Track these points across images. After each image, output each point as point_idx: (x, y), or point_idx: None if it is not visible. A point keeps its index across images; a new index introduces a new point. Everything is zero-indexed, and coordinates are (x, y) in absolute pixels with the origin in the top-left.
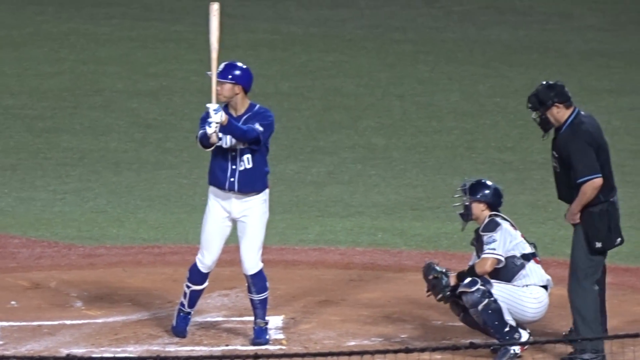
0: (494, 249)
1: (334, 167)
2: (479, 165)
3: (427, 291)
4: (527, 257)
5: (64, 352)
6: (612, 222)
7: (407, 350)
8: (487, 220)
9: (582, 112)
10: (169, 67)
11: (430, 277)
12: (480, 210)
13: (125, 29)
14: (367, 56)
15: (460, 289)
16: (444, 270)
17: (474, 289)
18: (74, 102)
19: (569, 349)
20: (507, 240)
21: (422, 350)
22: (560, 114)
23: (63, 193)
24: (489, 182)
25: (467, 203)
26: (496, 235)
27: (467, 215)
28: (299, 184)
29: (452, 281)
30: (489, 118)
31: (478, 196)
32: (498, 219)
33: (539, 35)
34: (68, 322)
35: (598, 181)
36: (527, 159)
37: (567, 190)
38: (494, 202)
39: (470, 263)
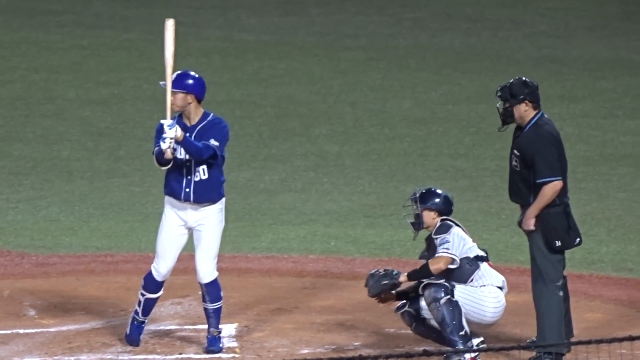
0: (448, 249)
1: (287, 174)
2: (431, 172)
3: (381, 302)
4: (480, 259)
5: None
6: (570, 222)
7: (361, 358)
8: (438, 224)
9: (546, 116)
10: (120, 76)
11: (385, 282)
12: (432, 219)
13: (76, 37)
14: (319, 63)
15: (426, 282)
16: (388, 271)
17: (437, 283)
18: (26, 111)
19: (529, 354)
20: (460, 243)
21: (375, 357)
22: (526, 112)
23: (15, 202)
24: (438, 190)
25: (417, 212)
26: (449, 236)
27: (418, 224)
28: (252, 192)
29: (402, 278)
30: (441, 125)
31: (428, 204)
32: (450, 222)
33: (490, 42)
34: (21, 331)
35: (559, 184)
36: (479, 166)
37: (522, 190)
38: (445, 210)
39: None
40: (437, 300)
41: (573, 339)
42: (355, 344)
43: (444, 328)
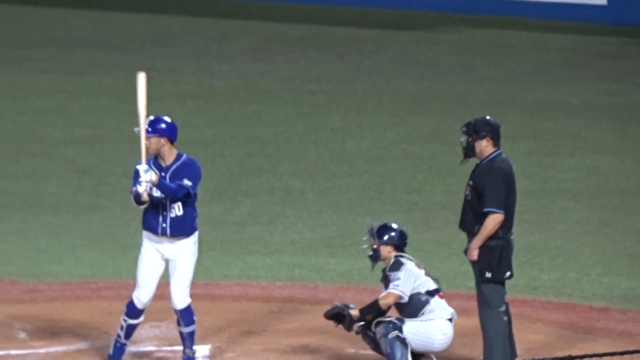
0: (398, 285)
1: (255, 208)
2: (387, 206)
3: (336, 324)
4: (431, 294)
5: None
6: (503, 257)
7: None
8: (392, 260)
9: (503, 155)
10: (101, 117)
11: (336, 311)
12: (388, 252)
13: (61, 82)
14: (284, 106)
15: (377, 320)
16: (346, 304)
17: (387, 320)
18: (14, 150)
19: None
20: (410, 279)
21: None
22: (487, 148)
23: (6, 233)
24: (394, 225)
25: (375, 246)
26: (400, 274)
27: (375, 257)
28: (223, 224)
29: (354, 313)
30: (396, 163)
31: (385, 239)
32: (403, 259)
33: (441, 86)
34: (13, 352)
35: (500, 216)
36: (431, 200)
37: (470, 219)
38: (400, 244)
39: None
40: (386, 335)
41: (516, 359)
42: None
43: None
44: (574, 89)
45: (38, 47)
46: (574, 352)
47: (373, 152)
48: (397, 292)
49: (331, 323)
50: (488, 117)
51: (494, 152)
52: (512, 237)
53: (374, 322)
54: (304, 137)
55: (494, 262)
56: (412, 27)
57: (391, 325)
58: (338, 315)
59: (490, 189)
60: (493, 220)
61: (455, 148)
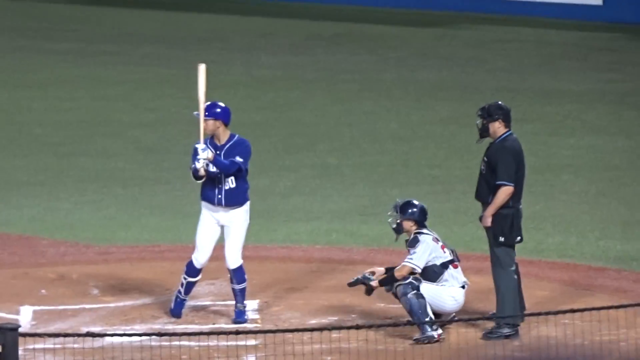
0: (412, 259)
1: (297, 181)
2: (412, 179)
3: (352, 284)
4: (445, 265)
5: (84, 330)
6: (514, 224)
7: (357, 327)
8: (412, 236)
9: (514, 135)
10: (164, 103)
11: (359, 277)
12: (409, 226)
13: (129, 73)
14: (322, 93)
15: (397, 283)
16: (366, 276)
17: (405, 282)
18: (89, 132)
19: (491, 324)
20: (425, 254)
21: (369, 326)
22: (499, 129)
23: (82, 204)
24: (416, 202)
25: (398, 220)
26: (417, 249)
27: (398, 230)
28: (269, 195)
29: (374, 284)
30: (420, 142)
31: (407, 214)
32: (420, 236)
33: (459, 76)
34: (87, 306)
35: (511, 189)
36: (450, 174)
37: (485, 190)
38: (420, 219)
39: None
40: (405, 294)
41: (526, 312)
42: (353, 315)
43: (412, 316)
44: (574, 77)
45: (110, 42)
46: (576, 306)
47: (399, 133)
48: (410, 266)
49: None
50: (500, 102)
51: (506, 132)
52: (521, 206)
53: (395, 284)
54: (339, 120)
55: (506, 228)
56: (433, 25)
57: (410, 286)
58: (360, 284)
59: (502, 165)
60: (504, 192)
61: (471, 129)
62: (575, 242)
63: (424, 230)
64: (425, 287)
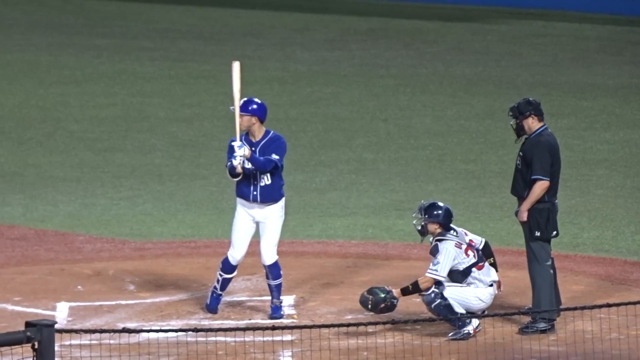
0: (436, 270)
1: (333, 177)
2: (447, 174)
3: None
4: (468, 271)
5: (120, 326)
6: (550, 218)
7: (393, 322)
8: (433, 244)
9: (549, 130)
10: (200, 99)
11: (382, 306)
12: (434, 228)
13: (165, 68)
14: (357, 88)
15: (419, 294)
16: (387, 290)
17: (428, 292)
18: (125, 127)
19: (526, 319)
20: (448, 263)
21: (405, 322)
22: (533, 124)
23: (118, 199)
24: (440, 204)
25: (423, 223)
26: (440, 257)
27: (423, 232)
28: (305, 190)
29: (396, 294)
30: (455, 137)
31: (431, 217)
32: (441, 243)
33: (494, 71)
34: (123, 302)
35: (546, 183)
36: (486, 169)
37: (520, 185)
38: (445, 222)
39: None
40: (430, 304)
41: (561, 307)
42: None
43: (444, 320)
44: (609, 72)
45: (146, 38)
46: (611, 301)
47: (435, 128)
48: (433, 276)
49: (403, 273)
50: (529, 98)
51: (541, 127)
52: (557, 201)
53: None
54: (375, 114)
55: (542, 223)
56: (468, 19)
57: (432, 295)
58: (386, 307)
59: (537, 159)
60: (540, 187)
61: (506, 124)
62: (611, 237)
63: (447, 235)
64: (449, 291)
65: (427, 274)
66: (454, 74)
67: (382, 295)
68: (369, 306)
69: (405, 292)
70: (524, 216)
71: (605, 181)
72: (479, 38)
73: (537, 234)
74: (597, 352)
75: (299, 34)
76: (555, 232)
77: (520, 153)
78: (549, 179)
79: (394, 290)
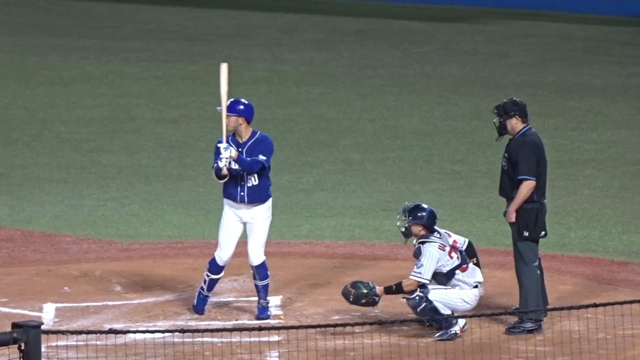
0: (420, 273)
1: (320, 177)
2: (434, 174)
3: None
4: (451, 273)
5: (107, 327)
6: (538, 218)
7: (380, 322)
8: (416, 246)
9: (532, 130)
10: (187, 100)
11: (363, 301)
12: (418, 230)
13: (152, 69)
14: (345, 89)
15: (403, 297)
16: (370, 287)
17: (413, 296)
18: (112, 128)
19: (514, 319)
20: (432, 265)
21: (392, 322)
22: (517, 125)
23: (105, 200)
24: (424, 206)
25: (407, 224)
26: (423, 260)
27: (407, 234)
28: (292, 191)
29: (379, 292)
30: (442, 137)
31: (415, 219)
32: (424, 246)
33: (481, 71)
34: (110, 303)
35: (533, 183)
36: (473, 169)
37: (508, 186)
38: (429, 224)
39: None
40: (416, 307)
41: (548, 306)
42: (376, 311)
43: (430, 320)
44: (596, 72)
45: (133, 39)
46: (598, 301)
47: (422, 128)
48: (417, 279)
49: (390, 273)
50: (515, 98)
51: (524, 127)
52: (545, 201)
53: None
54: (362, 115)
55: (530, 223)
56: (456, 20)
57: (417, 299)
58: (367, 303)
59: (523, 160)
60: (526, 186)
61: (493, 124)
62: (598, 237)
63: (431, 237)
64: (434, 294)
65: (411, 277)
66: (441, 75)
67: (365, 291)
68: (350, 299)
69: (388, 291)
70: (512, 217)
71: (592, 181)
72: (466, 38)
73: (526, 234)
74: (584, 352)
75: (287, 35)
76: (543, 233)
77: (506, 154)
78: (535, 178)
79: (377, 287)
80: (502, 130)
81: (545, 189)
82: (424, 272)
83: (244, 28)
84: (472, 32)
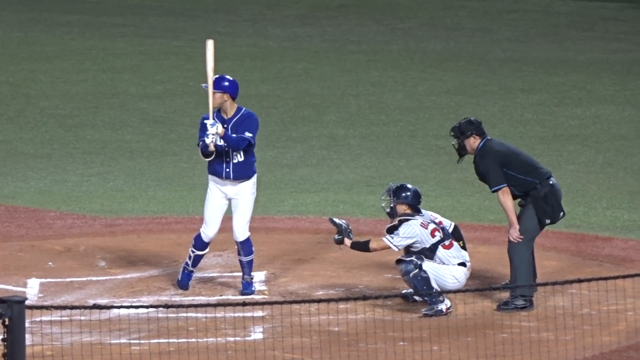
0: (392, 238)
1: (304, 152)
2: (419, 150)
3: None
4: (433, 248)
5: (91, 302)
6: (555, 201)
7: (364, 298)
8: (397, 220)
9: (489, 138)
10: (171, 75)
11: (335, 236)
12: (403, 210)
13: (136, 44)
14: (329, 64)
15: (398, 258)
16: (347, 229)
17: (408, 259)
18: (96, 103)
19: (505, 295)
20: (407, 236)
21: (376, 297)
22: (474, 143)
23: (89, 176)
24: (409, 186)
25: (392, 204)
26: (400, 230)
27: (392, 214)
28: (276, 166)
29: (347, 243)
30: (426, 112)
31: (400, 199)
32: (408, 221)
33: (465, 46)
34: (94, 278)
35: (505, 188)
36: None
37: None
38: (414, 203)
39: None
40: (408, 273)
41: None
42: (360, 286)
43: (417, 293)
44: (580, 47)
45: (116, 14)
46: (583, 276)
47: (406, 104)
48: (386, 243)
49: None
50: (470, 117)
51: (481, 141)
52: (553, 181)
53: (395, 260)
54: (346, 90)
55: (548, 209)
56: None
57: (412, 263)
58: (337, 228)
59: (487, 173)
60: (502, 195)
61: (477, 100)
62: (582, 212)
63: (415, 216)
64: (428, 265)
65: (383, 238)
66: (425, 50)
67: (337, 237)
68: (337, 226)
69: (354, 245)
70: (515, 234)
71: (576, 157)
72: (450, 14)
73: (547, 221)
74: (568, 328)
75: (270, 10)
76: (562, 213)
77: (477, 175)
78: (504, 184)
79: (346, 239)
80: (461, 151)
81: (542, 171)
82: (397, 240)
83: (227, 3)
84: (456, 7)
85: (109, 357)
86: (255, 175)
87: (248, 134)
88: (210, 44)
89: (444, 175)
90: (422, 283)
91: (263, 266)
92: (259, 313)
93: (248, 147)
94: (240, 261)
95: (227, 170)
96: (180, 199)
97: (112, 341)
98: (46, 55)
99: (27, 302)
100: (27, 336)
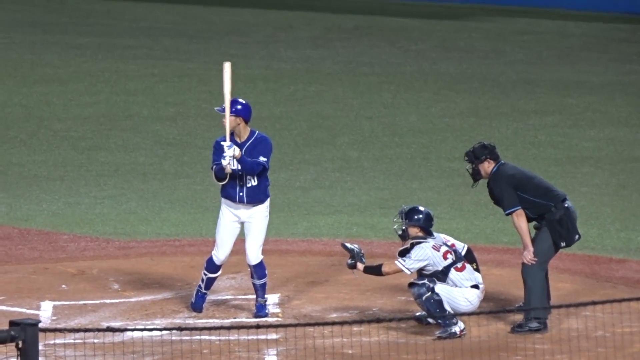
0: (404, 261)
1: (317, 175)
2: (432, 172)
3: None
4: (446, 271)
5: (105, 325)
6: (570, 224)
7: (378, 320)
8: (409, 243)
9: (503, 162)
10: (184, 97)
11: (348, 261)
12: (415, 232)
13: (149, 66)
14: (342, 86)
15: (410, 281)
16: (358, 256)
17: (420, 282)
18: (109, 126)
19: (519, 317)
20: (419, 259)
21: (390, 320)
22: (489, 167)
23: (102, 198)
24: (421, 208)
25: (404, 227)
26: (412, 253)
27: (404, 236)
28: (290, 189)
29: (360, 267)
30: (440, 134)
31: (413, 221)
32: (418, 245)
33: (478, 68)
34: (107, 301)
35: (519, 211)
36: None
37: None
38: (426, 225)
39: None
40: (421, 296)
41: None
42: (374, 309)
43: (430, 315)
44: (593, 69)
45: (129, 36)
46: (597, 298)
47: (419, 125)
48: (399, 266)
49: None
50: (484, 142)
51: (495, 166)
52: (569, 204)
53: (408, 283)
54: (359, 112)
55: (564, 232)
56: (453, 17)
57: (424, 287)
58: (349, 252)
59: (501, 197)
60: (516, 217)
61: (491, 121)
62: (596, 234)
63: (428, 239)
64: (440, 287)
65: (395, 262)
66: (438, 72)
67: (350, 262)
68: (349, 250)
69: (367, 269)
70: (529, 258)
71: (590, 179)
72: (463, 36)
73: (563, 244)
74: (582, 350)
75: (283, 32)
76: (577, 236)
77: (492, 200)
78: (518, 206)
79: (359, 264)
80: (476, 176)
81: (556, 194)
82: (409, 263)
83: (240, 25)
84: (469, 29)
85: None
86: (269, 199)
87: (262, 159)
88: (227, 66)
89: (458, 197)
90: (434, 306)
91: (276, 289)
92: (272, 336)
93: (262, 172)
94: (254, 284)
95: (241, 194)
96: (193, 221)
97: None
98: (59, 78)
99: (40, 325)
100: (41, 359)
